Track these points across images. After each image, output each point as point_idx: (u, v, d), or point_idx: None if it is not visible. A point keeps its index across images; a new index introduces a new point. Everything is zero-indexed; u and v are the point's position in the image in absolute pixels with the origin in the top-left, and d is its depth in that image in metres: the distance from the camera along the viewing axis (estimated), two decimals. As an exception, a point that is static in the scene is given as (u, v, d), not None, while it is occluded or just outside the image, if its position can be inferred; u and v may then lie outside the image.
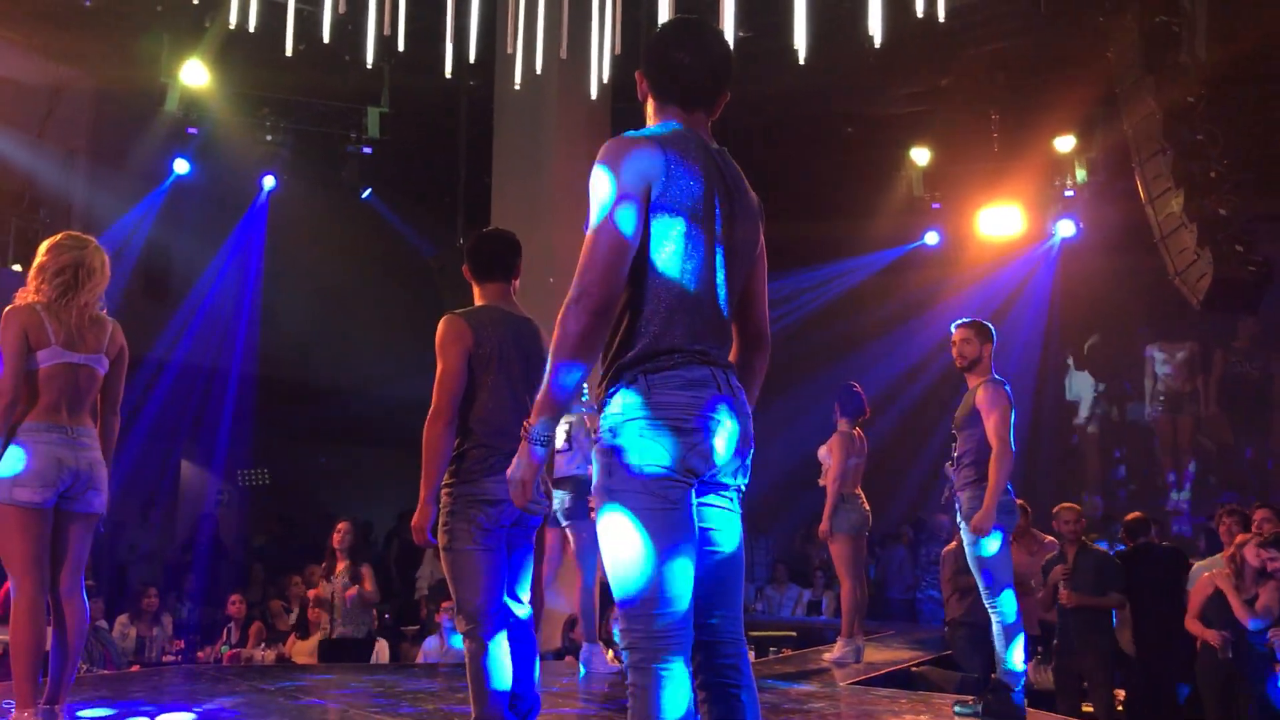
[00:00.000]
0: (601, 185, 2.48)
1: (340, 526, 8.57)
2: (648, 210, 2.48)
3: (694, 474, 2.48)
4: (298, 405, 14.23)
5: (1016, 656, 5.37)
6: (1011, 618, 5.41)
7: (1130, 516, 8.35)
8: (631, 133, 2.60)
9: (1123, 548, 8.13)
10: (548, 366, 2.44)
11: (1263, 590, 6.48)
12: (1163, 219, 9.51)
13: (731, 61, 2.70)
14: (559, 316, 2.41)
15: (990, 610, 5.49)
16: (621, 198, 2.45)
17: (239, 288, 13.01)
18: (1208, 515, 10.97)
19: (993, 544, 5.43)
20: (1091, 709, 7.27)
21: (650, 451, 2.43)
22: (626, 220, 2.45)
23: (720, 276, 2.59)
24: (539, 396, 2.47)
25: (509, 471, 2.52)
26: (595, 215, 2.47)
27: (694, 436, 2.46)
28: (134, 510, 13.66)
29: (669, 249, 2.50)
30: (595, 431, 2.54)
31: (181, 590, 11.65)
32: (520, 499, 2.52)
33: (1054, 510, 7.59)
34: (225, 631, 9.75)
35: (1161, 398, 12.46)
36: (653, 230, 2.49)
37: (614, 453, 2.46)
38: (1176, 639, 7.20)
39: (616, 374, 2.51)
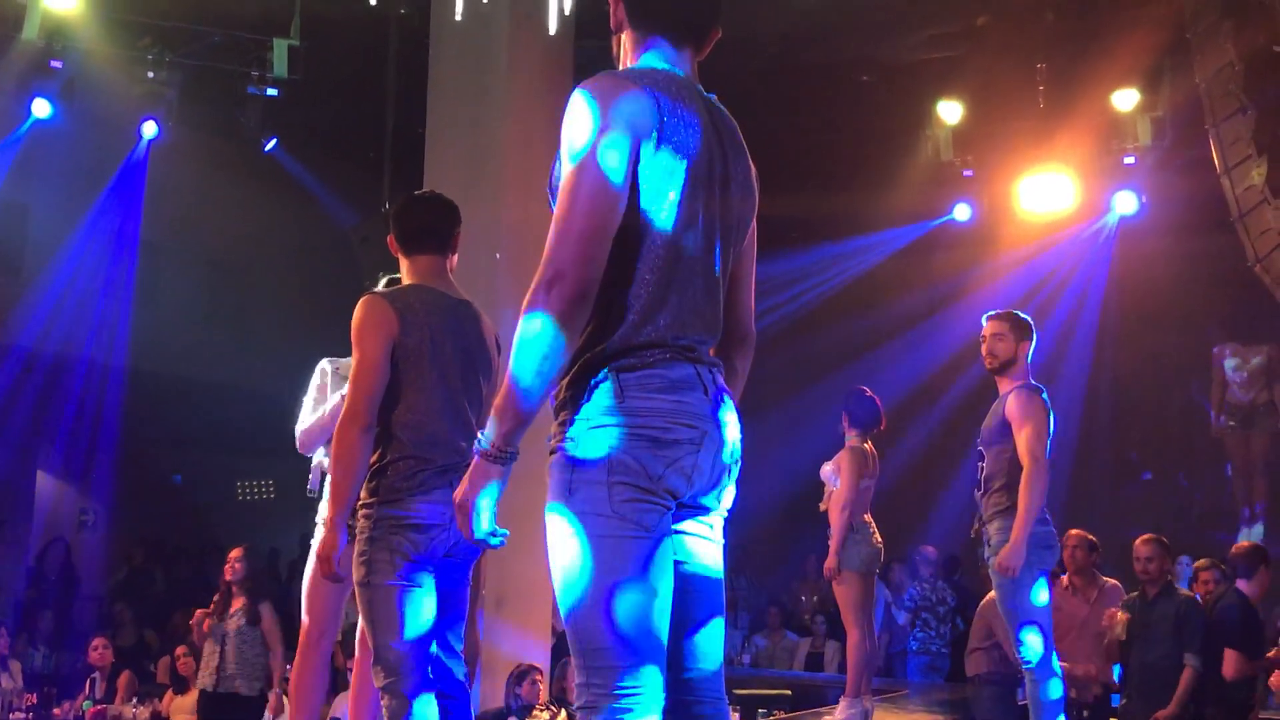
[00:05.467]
0: (578, 138, 2.46)
1: (231, 555, 8.55)
2: (635, 170, 2.47)
3: (672, 495, 2.49)
4: (182, 406, 14.12)
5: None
6: (1051, 683, 5.42)
7: (1240, 546, 8.16)
8: (614, 72, 2.58)
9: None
10: (510, 364, 2.41)
11: None
12: (1241, 193, 9.60)
13: None
14: (526, 301, 2.40)
15: (1021, 667, 5.52)
16: (604, 155, 2.44)
17: (110, 260, 12.89)
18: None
19: (1035, 589, 5.46)
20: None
21: (621, 467, 2.43)
22: (611, 182, 2.43)
23: (716, 255, 2.59)
24: (498, 400, 2.44)
25: (457, 493, 2.48)
26: (570, 176, 2.45)
27: (674, 450, 2.46)
28: (-23, 532, 13.54)
29: (658, 218, 2.50)
30: (554, 438, 2.53)
31: (35, 632, 11.54)
32: (476, 529, 2.47)
33: (1135, 545, 7.60)
34: (88, 683, 9.68)
35: (1233, 410, 12.54)
36: (641, 195, 2.48)
37: (576, 467, 2.45)
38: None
39: (584, 369, 2.50)
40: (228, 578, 8.49)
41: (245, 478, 16.45)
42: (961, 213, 13.20)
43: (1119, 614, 7.42)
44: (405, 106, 11.72)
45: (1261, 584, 7.52)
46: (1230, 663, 7.20)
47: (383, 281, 4.72)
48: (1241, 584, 7.48)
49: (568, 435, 2.49)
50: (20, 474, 14.12)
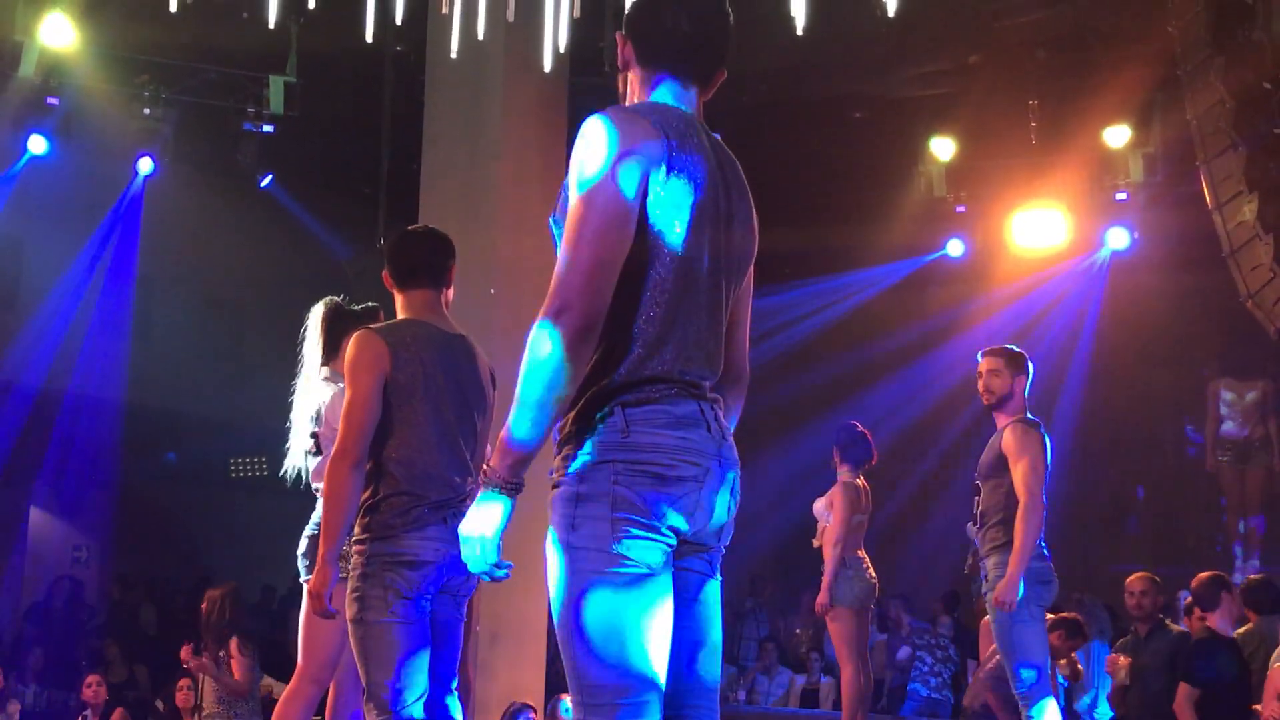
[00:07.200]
0: (588, 169, 2.47)
1: (208, 595, 8.32)
2: (644, 203, 2.48)
3: (675, 532, 2.49)
4: (177, 441, 14.08)
5: None
6: (1044, 704, 5.40)
7: (1200, 579, 7.86)
8: (625, 106, 2.59)
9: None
10: (516, 395, 2.42)
11: None
12: (1233, 229, 9.60)
13: (732, 30, 2.71)
14: (533, 331, 2.40)
15: (1021, 705, 5.49)
16: (614, 187, 2.44)
17: (106, 295, 12.88)
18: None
19: (1031, 623, 5.44)
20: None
21: (624, 503, 2.43)
22: (620, 214, 2.44)
23: (719, 291, 2.60)
24: (503, 432, 2.44)
25: (464, 526, 2.46)
26: (579, 206, 2.46)
27: (678, 487, 2.47)
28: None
29: (665, 252, 2.50)
30: (557, 472, 2.52)
31: (25, 669, 11.46)
32: (482, 563, 2.46)
33: (1127, 582, 7.54)
34: (80, 721, 9.63)
35: (1228, 445, 12.54)
36: (648, 228, 2.49)
37: (579, 502, 2.45)
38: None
39: (590, 402, 2.50)
40: (204, 618, 8.27)
41: (240, 511, 16.39)
42: (954, 248, 13.21)
43: (1120, 658, 7.36)
44: (401, 142, 11.76)
45: (1230, 613, 7.10)
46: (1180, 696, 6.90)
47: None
48: (1212, 618, 7.08)
49: (571, 470, 2.49)
50: (13, 510, 14.06)
